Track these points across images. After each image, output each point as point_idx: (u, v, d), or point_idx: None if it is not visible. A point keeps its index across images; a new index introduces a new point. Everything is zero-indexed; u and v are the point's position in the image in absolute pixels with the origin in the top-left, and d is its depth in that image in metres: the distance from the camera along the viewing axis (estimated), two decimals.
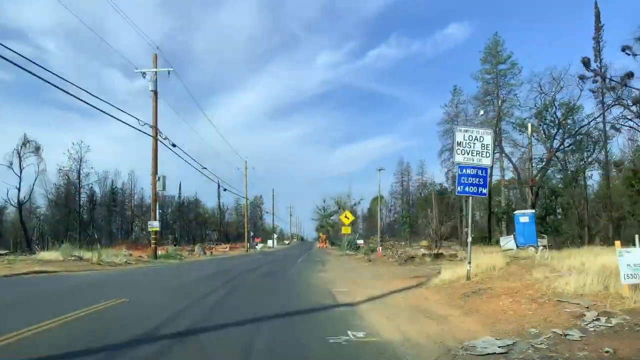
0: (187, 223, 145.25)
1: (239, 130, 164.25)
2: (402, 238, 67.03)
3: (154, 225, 30.51)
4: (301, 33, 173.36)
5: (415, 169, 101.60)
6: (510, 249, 23.73)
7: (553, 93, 41.95)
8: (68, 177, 63.33)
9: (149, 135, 28.20)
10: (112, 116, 18.74)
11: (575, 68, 37.65)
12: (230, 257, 41.02)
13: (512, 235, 27.53)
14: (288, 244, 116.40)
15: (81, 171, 59.59)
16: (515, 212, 29.68)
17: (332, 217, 63.70)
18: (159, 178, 29.97)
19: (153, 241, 30.84)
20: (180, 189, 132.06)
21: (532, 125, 39.93)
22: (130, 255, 29.61)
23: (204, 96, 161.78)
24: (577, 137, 41.70)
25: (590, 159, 44.23)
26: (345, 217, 36.43)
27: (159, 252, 31.63)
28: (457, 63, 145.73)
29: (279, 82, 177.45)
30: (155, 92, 30.16)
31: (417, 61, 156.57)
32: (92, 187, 66.96)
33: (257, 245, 61.44)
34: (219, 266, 25.70)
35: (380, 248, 36.89)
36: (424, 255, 26.45)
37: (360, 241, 46.24)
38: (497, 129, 50.22)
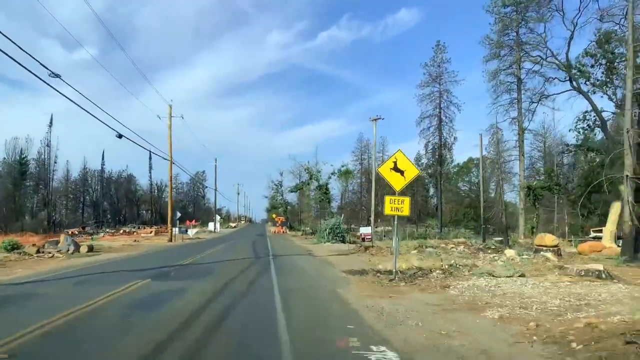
0: (115, 202, 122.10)
1: (184, 107, 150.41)
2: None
3: None
4: (250, 10, 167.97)
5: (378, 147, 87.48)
6: None
7: None
8: None
9: None
10: None
11: None
12: (106, 263, 21.86)
13: None
14: (235, 226, 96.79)
15: None
16: None
17: (294, 192, 44.94)
18: None
19: None
20: (103, 158, 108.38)
21: None
22: None
23: (148, 72, 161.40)
24: None
25: None
26: (395, 169, 11.79)
27: None
28: (407, 49, 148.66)
29: (228, 61, 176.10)
30: None
31: (367, 45, 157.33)
32: None
33: (188, 230, 41.93)
34: None
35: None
36: None
37: (366, 230, 27.20)
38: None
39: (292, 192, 40.23)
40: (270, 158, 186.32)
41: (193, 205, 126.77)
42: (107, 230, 66.55)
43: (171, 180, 38.78)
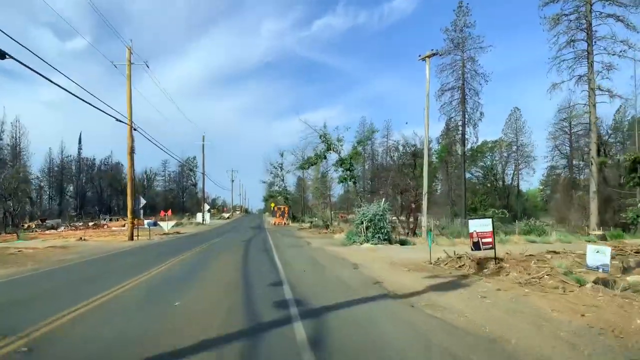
0: (99, 191, 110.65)
1: (178, 96, 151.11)
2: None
3: None
4: None
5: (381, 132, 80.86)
6: None
7: None
8: None
9: None
10: None
11: None
12: None
13: None
14: (228, 217, 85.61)
15: None
16: None
17: (304, 169, 32.32)
18: None
19: None
20: (80, 142, 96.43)
21: None
22: None
23: (140, 61, 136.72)
24: None
25: None
26: None
27: None
28: (403, 37, 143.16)
29: (222, 49, 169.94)
30: None
31: (363, 33, 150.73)
32: None
33: (160, 223, 30.80)
34: None
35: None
36: None
37: (482, 225, 14.38)
38: None
39: (301, 168, 29.15)
40: (266, 148, 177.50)
41: (182, 194, 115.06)
42: (76, 223, 55.49)
43: (131, 154, 27.52)
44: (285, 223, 55.20)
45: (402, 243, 19.16)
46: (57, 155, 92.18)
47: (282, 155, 60.92)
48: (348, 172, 25.85)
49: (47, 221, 52.42)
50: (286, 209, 58.32)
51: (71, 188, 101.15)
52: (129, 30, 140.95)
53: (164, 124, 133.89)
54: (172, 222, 35.85)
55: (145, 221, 30.52)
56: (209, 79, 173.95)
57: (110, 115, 23.64)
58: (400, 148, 44.04)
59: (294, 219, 58.52)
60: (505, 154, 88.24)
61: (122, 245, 23.31)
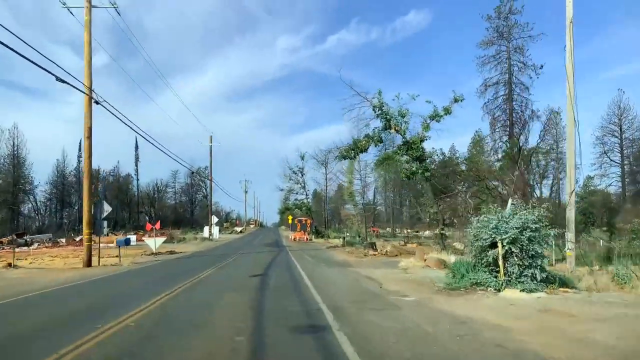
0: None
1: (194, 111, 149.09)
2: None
3: None
4: (261, 15, 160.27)
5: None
6: None
7: None
8: None
9: None
10: None
11: None
12: None
13: None
14: (241, 231, 76.42)
15: None
16: None
17: (349, 157, 20.90)
18: None
19: None
20: (80, 150, 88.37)
21: None
22: None
23: (156, 77, 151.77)
24: None
25: None
26: None
27: None
28: (417, 51, 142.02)
29: (237, 65, 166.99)
30: None
31: (376, 47, 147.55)
32: None
33: (128, 240, 21.75)
34: None
35: None
36: None
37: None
38: None
39: (344, 158, 18.98)
40: (281, 161, 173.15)
41: (192, 206, 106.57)
42: (75, 238, 47.07)
43: (89, 138, 18.59)
44: (307, 239, 45.82)
45: (563, 284, 9.71)
46: (71, 164, 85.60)
47: (302, 158, 51.81)
48: (418, 162, 16.64)
49: (26, 236, 44.02)
50: (308, 221, 48.93)
51: (71, 199, 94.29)
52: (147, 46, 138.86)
53: (175, 136, 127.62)
54: (161, 239, 26.77)
55: (123, 238, 21.72)
56: (224, 93, 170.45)
57: (51, 73, 14.83)
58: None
59: (316, 233, 49.15)
60: (542, 162, 78.68)
61: (61, 278, 14.24)
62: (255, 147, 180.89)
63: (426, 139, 18.24)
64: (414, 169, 17.20)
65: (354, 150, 18.44)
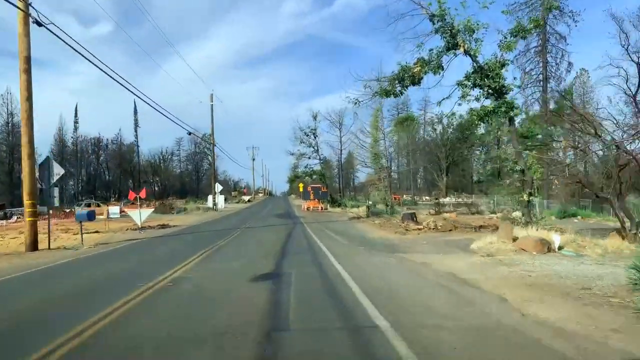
0: (103, 172, 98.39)
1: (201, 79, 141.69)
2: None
3: None
4: None
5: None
6: None
7: None
8: None
9: None
10: None
11: None
12: None
13: None
14: (249, 200, 71.35)
15: None
16: None
17: (394, 94, 15.04)
18: None
19: None
20: (76, 115, 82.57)
21: None
22: None
23: (163, 45, 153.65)
24: None
25: None
26: None
27: None
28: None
29: (243, 32, 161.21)
30: None
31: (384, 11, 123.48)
32: None
33: (92, 214, 16.24)
34: None
35: None
36: None
37: None
38: None
39: (385, 94, 13.55)
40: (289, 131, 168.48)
41: (197, 175, 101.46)
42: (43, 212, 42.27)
43: (28, 71, 12.96)
44: (322, 208, 40.42)
45: None
46: (69, 133, 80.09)
47: (315, 119, 45.79)
48: (497, 95, 10.91)
49: (6, 209, 39.13)
50: (323, 188, 43.40)
51: (83, 171, 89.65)
52: (149, 12, 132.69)
53: (179, 104, 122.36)
54: (148, 211, 21.41)
55: (80, 209, 16.44)
56: (231, 61, 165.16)
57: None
58: None
59: (332, 202, 43.72)
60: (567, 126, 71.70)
61: None
62: (263, 118, 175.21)
63: (507, 64, 12.29)
64: (495, 106, 11.39)
65: (402, 81, 12.46)
